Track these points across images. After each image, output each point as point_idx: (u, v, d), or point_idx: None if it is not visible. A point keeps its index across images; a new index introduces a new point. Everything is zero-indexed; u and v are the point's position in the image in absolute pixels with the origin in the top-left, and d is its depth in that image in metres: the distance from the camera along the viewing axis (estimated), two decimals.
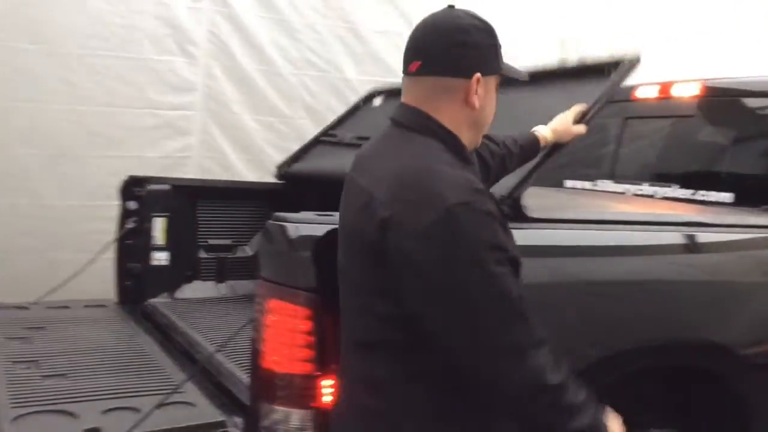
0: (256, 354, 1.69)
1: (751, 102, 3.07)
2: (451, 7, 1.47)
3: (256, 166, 4.61)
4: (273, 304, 1.65)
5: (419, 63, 1.41)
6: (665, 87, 3.29)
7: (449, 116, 1.42)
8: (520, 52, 5.14)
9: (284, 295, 1.62)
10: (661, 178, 3.16)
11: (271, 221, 1.68)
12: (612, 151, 3.66)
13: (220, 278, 3.40)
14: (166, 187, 3.29)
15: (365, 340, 1.39)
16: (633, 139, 3.53)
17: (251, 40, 4.42)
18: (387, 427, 1.37)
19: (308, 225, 1.66)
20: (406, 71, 1.44)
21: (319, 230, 1.66)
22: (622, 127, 3.57)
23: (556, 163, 3.99)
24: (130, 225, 3.21)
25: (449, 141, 1.41)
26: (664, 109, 3.31)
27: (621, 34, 5.98)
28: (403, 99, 1.47)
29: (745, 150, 3.07)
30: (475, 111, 1.43)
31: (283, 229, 1.64)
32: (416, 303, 1.28)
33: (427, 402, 1.34)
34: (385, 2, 4.67)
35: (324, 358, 1.61)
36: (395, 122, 1.46)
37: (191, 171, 4.43)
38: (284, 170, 3.63)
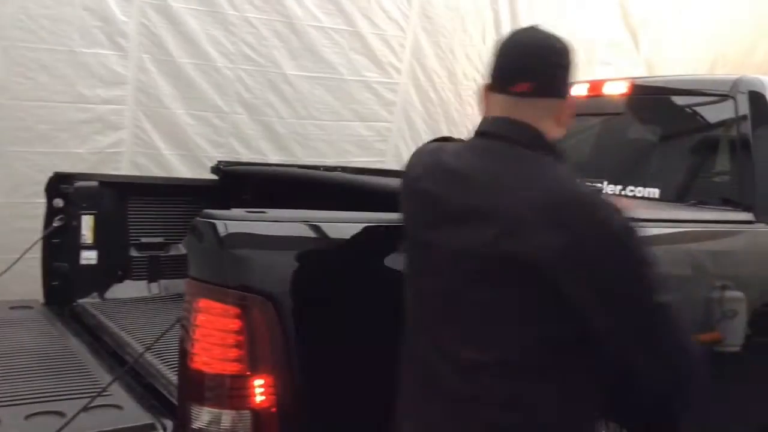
0: (184, 354, 1.65)
1: (676, 100, 3.17)
2: (535, 27, 1.52)
3: (191, 161, 4.52)
4: (202, 303, 1.61)
5: (528, 84, 1.45)
6: (595, 85, 3.36)
7: (550, 135, 1.47)
8: None
9: (213, 294, 1.59)
10: (592, 174, 3.23)
11: (199, 218, 1.64)
12: None
13: (152, 277, 3.32)
14: (93, 183, 3.18)
15: (496, 360, 1.38)
16: (564, 136, 3.59)
17: (185, 32, 4.31)
18: None
19: (238, 222, 1.63)
20: (508, 90, 1.47)
21: (250, 227, 1.63)
22: None
23: None
24: (56, 223, 3.09)
25: (562, 160, 1.48)
26: (595, 107, 3.38)
27: None
28: (501, 115, 1.49)
29: (671, 147, 3.16)
30: (563, 129, 1.50)
31: (212, 227, 1.60)
32: (597, 322, 1.36)
33: (570, 416, 1.43)
34: None
35: (255, 358, 1.58)
36: (504, 138, 1.47)
37: (123, 167, 4.30)
38: (222, 165, 3.58)
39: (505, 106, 1.48)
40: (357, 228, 1.78)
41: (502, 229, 1.34)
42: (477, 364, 1.40)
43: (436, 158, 1.56)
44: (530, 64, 1.47)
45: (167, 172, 4.41)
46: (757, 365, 2.39)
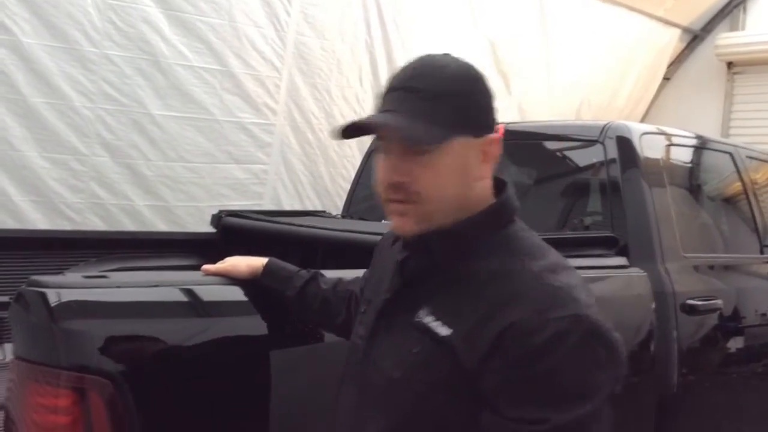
0: None
1: (548, 144, 3.20)
2: None
3: (48, 208, 4.13)
4: (30, 387, 1.37)
5: None
6: None
7: None
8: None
9: (43, 376, 1.36)
10: None
11: (25, 286, 1.40)
12: None
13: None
14: None
15: None
16: None
17: (37, 70, 3.95)
18: None
19: (73, 290, 1.41)
20: None
21: (87, 295, 1.42)
22: None
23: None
24: None
25: None
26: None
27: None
28: None
29: (543, 190, 3.18)
30: None
31: (41, 296, 1.37)
32: None
33: None
34: (189, 35, 4.41)
35: None
36: None
37: None
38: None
39: None
40: (221, 291, 1.60)
41: None
42: None
43: None
44: None
45: (19, 221, 4.01)
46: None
